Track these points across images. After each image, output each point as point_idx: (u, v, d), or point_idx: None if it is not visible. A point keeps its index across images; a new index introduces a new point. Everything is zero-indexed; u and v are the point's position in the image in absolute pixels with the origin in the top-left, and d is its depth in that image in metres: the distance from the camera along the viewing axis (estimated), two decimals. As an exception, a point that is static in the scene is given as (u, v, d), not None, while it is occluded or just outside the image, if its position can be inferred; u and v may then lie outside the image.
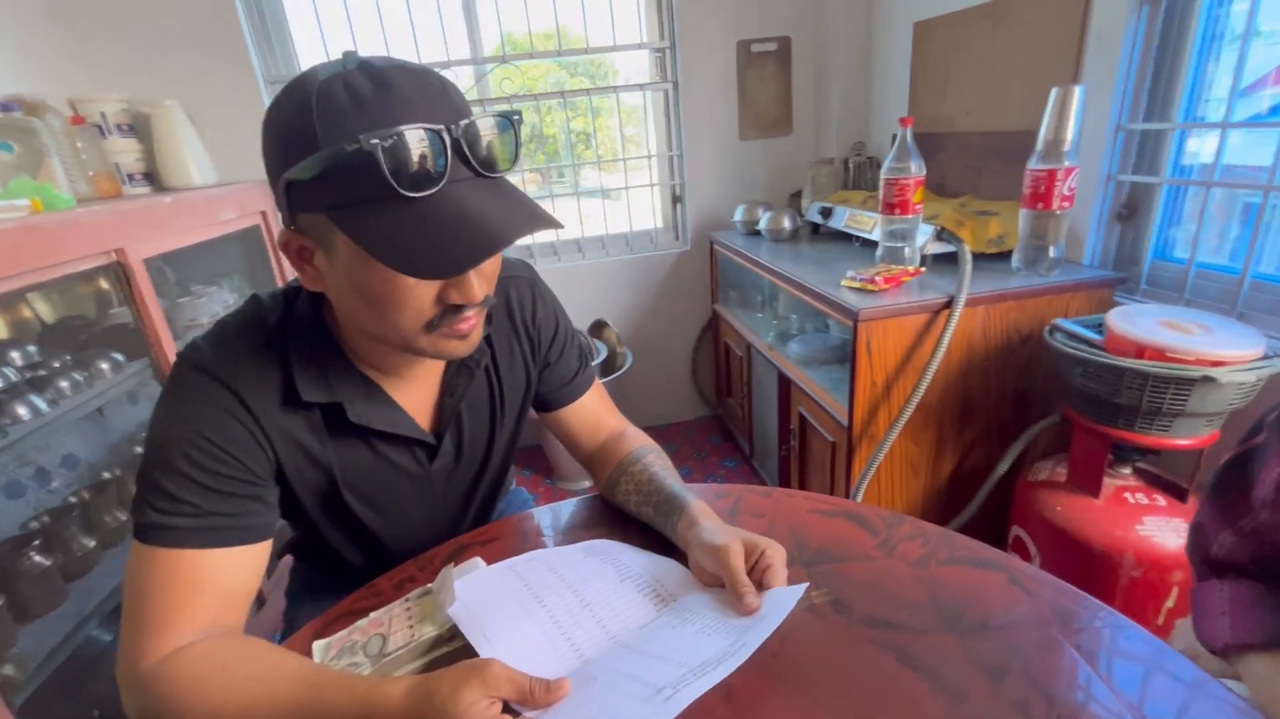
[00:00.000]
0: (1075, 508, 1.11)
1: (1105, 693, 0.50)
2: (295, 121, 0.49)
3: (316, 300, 0.63)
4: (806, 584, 0.59)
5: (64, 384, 1.24)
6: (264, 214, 1.91)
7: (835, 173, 2.06)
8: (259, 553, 0.60)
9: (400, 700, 0.47)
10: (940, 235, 1.38)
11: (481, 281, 0.56)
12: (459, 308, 0.55)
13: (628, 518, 0.77)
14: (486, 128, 0.52)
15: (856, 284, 1.31)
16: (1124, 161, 1.28)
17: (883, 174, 1.35)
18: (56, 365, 1.29)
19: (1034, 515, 1.17)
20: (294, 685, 0.50)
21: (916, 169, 1.32)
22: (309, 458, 0.64)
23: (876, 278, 1.29)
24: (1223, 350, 0.93)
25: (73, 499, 1.34)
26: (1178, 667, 0.52)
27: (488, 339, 0.72)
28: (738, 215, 2.08)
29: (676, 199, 2.33)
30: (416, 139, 0.48)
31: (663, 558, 0.67)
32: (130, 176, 1.78)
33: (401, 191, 0.48)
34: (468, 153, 0.50)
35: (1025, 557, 1.20)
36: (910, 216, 1.36)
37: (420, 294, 0.54)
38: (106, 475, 1.42)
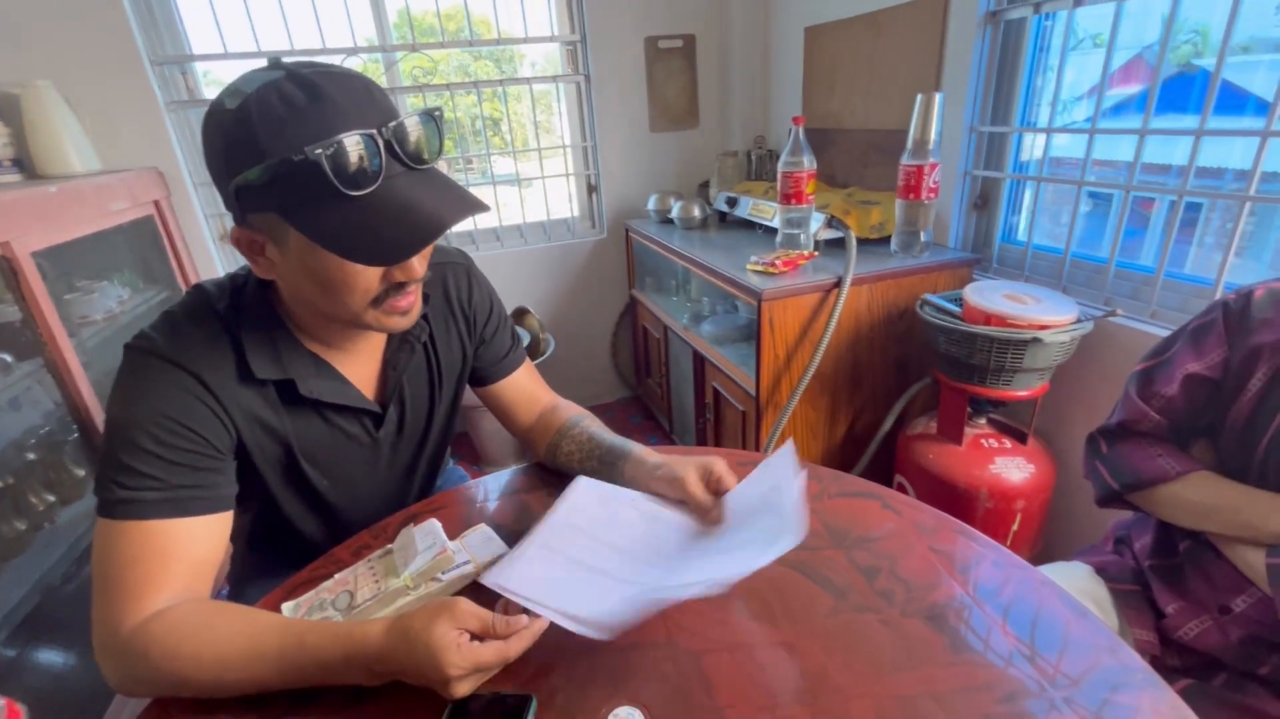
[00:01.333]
0: (943, 455, 1.32)
1: (948, 580, 0.65)
2: (236, 132, 0.54)
3: (263, 285, 0.68)
4: (790, 439, 0.72)
5: (-54, 388, 1.16)
6: (157, 203, 1.81)
7: (739, 164, 2.21)
8: (222, 523, 0.64)
9: (380, 637, 0.54)
10: (830, 223, 1.55)
11: (420, 260, 0.63)
12: (401, 285, 0.63)
13: (567, 478, 0.86)
14: (412, 125, 0.58)
15: (759, 268, 1.45)
16: (977, 158, 1.50)
17: (779, 168, 1.50)
18: (-67, 369, 1.20)
19: (912, 464, 1.37)
20: (275, 636, 0.56)
21: (809, 163, 1.48)
22: (267, 430, 0.69)
23: (777, 261, 1.43)
24: (1047, 317, 1.15)
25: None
26: (1002, 557, 0.68)
27: (425, 318, 0.79)
28: (651, 204, 2.19)
29: (592, 188, 2.40)
30: (354, 144, 0.53)
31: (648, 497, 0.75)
32: (0, 163, 1.64)
33: (345, 191, 0.54)
34: (399, 150, 0.57)
35: (906, 500, 1.40)
36: (804, 206, 1.52)
37: (368, 276, 0.61)
38: (1, 484, 1.33)
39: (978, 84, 1.42)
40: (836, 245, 1.57)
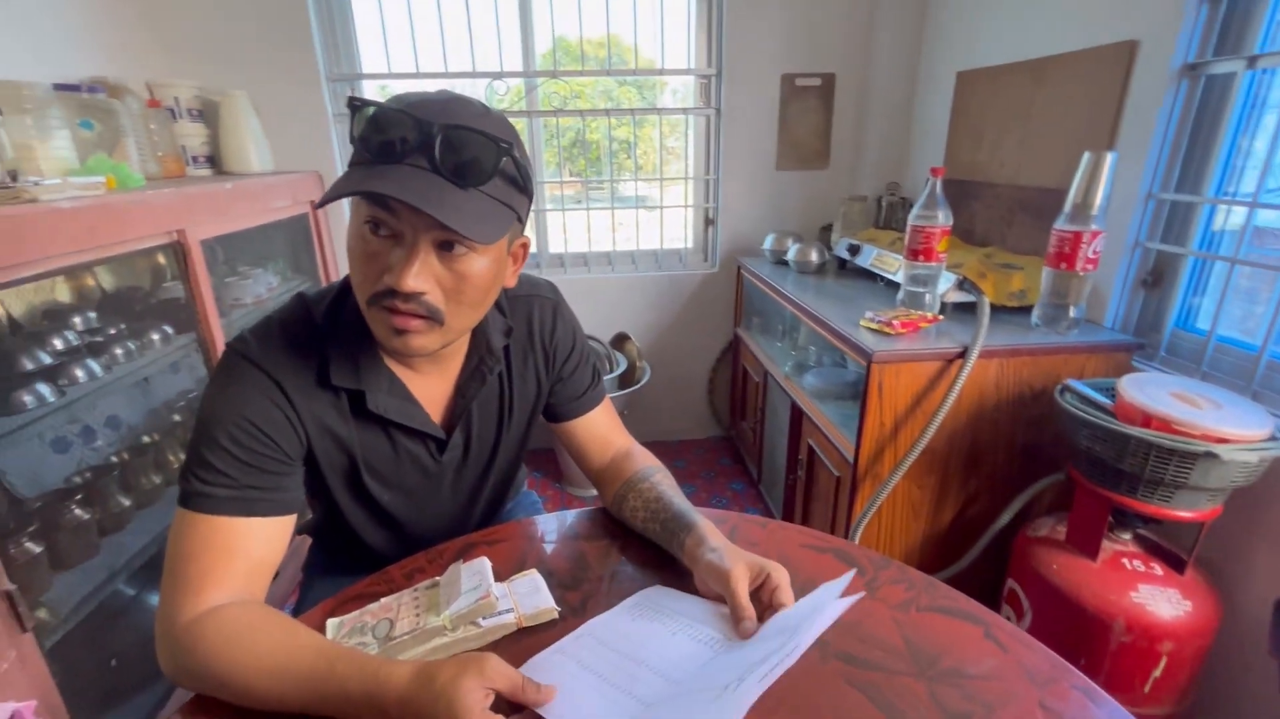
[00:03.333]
0: (1072, 568, 1.12)
1: (1059, 751, 0.52)
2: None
3: None
4: (853, 571, 0.64)
5: (118, 351, 1.33)
6: (313, 203, 2.00)
7: (867, 210, 2.09)
8: (284, 526, 0.66)
9: (405, 680, 0.51)
10: (962, 285, 1.40)
11: (420, 279, 0.57)
12: (390, 294, 0.58)
13: (630, 532, 0.82)
14: (468, 138, 0.56)
15: (874, 325, 1.34)
16: (1152, 229, 1.29)
17: (910, 220, 1.38)
18: (112, 333, 1.37)
19: (1030, 571, 1.18)
20: (309, 656, 0.55)
21: (944, 219, 1.35)
22: (335, 440, 0.70)
23: (894, 321, 1.31)
24: (1229, 428, 0.94)
25: (114, 459, 1.42)
26: (1134, 734, 0.54)
27: (505, 349, 0.78)
28: (767, 244, 2.11)
29: (709, 222, 2.37)
30: (396, 116, 0.55)
31: (705, 601, 0.68)
32: (195, 159, 1.88)
33: (370, 156, 0.56)
34: (438, 150, 0.55)
35: (1018, 611, 1.21)
36: (933, 264, 1.39)
37: (369, 261, 0.59)
38: (146, 439, 1.50)
39: (1163, 145, 1.23)
40: (966, 310, 1.42)
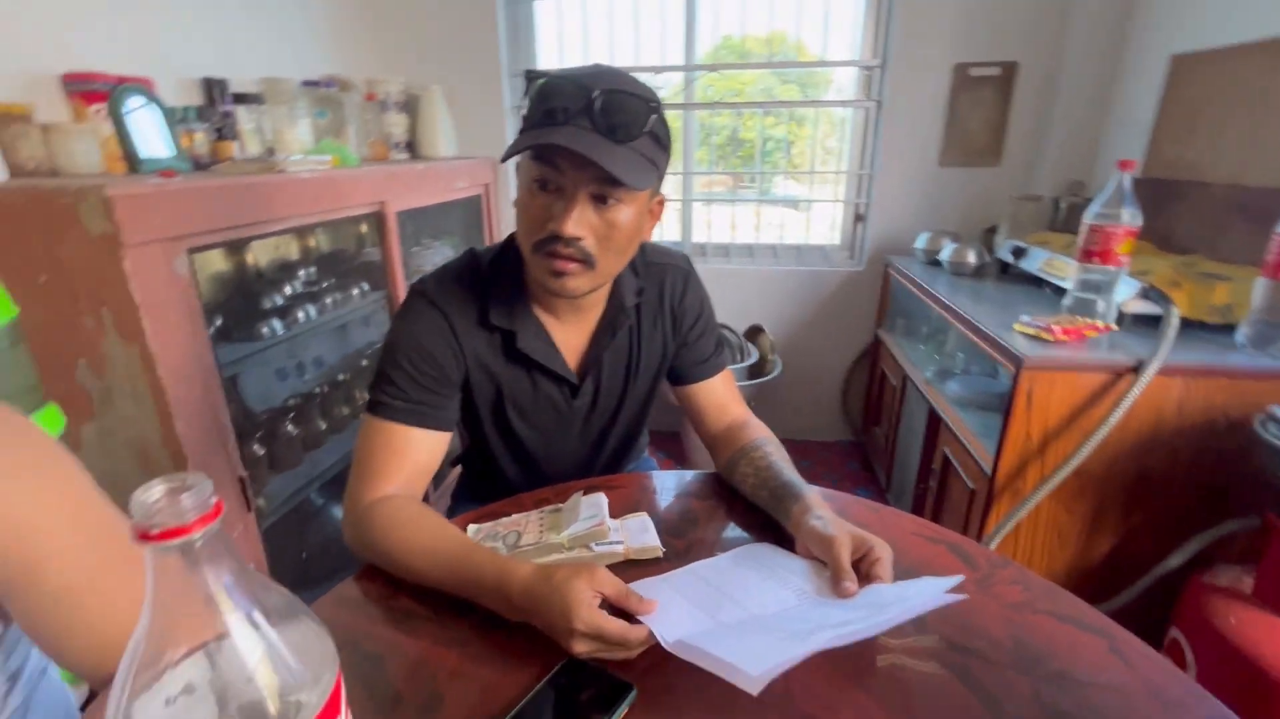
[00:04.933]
0: (1255, 625, 0.97)
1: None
2: None
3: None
4: (962, 577, 0.62)
5: (328, 301, 1.60)
6: (486, 186, 2.24)
7: (1041, 211, 1.90)
8: (440, 440, 0.78)
9: (526, 576, 0.60)
10: (1146, 294, 1.24)
11: (579, 225, 0.67)
12: (553, 239, 0.68)
13: (737, 498, 0.85)
14: (624, 100, 0.65)
15: (1030, 330, 1.23)
16: None
17: (1086, 218, 1.25)
18: (324, 285, 1.66)
19: (1202, 622, 1.03)
20: (454, 545, 0.66)
21: (1129, 218, 1.21)
22: (487, 373, 0.82)
23: (1054, 327, 1.20)
24: None
25: (316, 390, 1.72)
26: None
27: (637, 309, 0.86)
28: (920, 243, 2.01)
29: (859, 218, 2.29)
30: (562, 84, 0.65)
31: (805, 560, 0.69)
32: (396, 144, 2.18)
33: (538, 119, 0.65)
34: (595, 110, 0.64)
35: (1180, 663, 1.06)
36: (1110, 268, 1.24)
37: (535, 211, 0.69)
38: (340, 377, 1.79)
39: None
40: (1148, 323, 1.26)
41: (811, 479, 2.42)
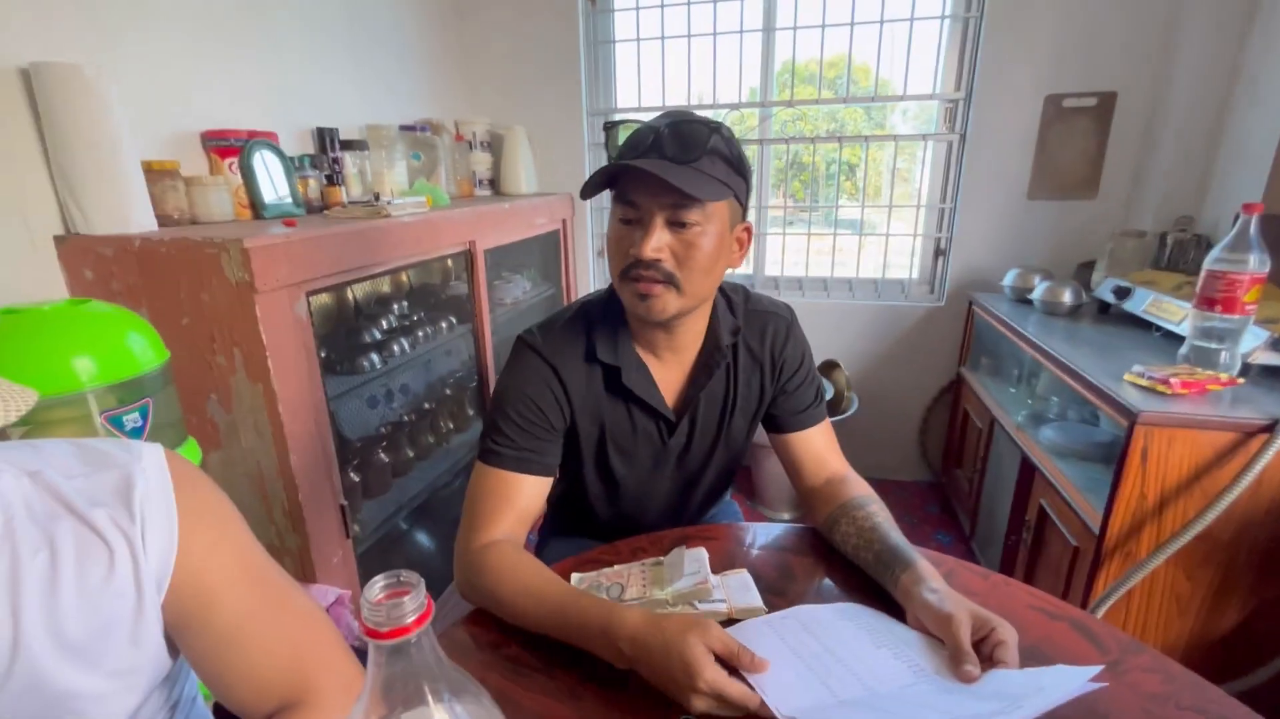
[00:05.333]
0: None
1: None
2: None
3: None
4: (1102, 666, 0.58)
5: (419, 334, 1.68)
6: (564, 221, 2.30)
7: (1145, 248, 1.80)
8: (543, 485, 0.81)
9: (635, 624, 0.61)
10: (1277, 344, 1.15)
11: (657, 247, 0.72)
12: (636, 264, 0.73)
13: (835, 555, 0.83)
14: (687, 127, 0.71)
15: (1144, 381, 1.16)
16: None
17: (1207, 263, 1.18)
18: (415, 319, 1.74)
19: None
20: (561, 589, 0.68)
21: (1256, 264, 1.13)
22: (591, 412, 0.85)
23: (1173, 379, 1.13)
24: None
25: (405, 418, 1.79)
26: None
27: (734, 349, 0.87)
28: (1008, 280, 1.93)
29: (940, 252, 2.23)
30: (633, 126, 0.74)
31: (917, 632, 0.67)
32: (480, 182, 2.29)
33: (611, 155, 0.76)
34: (665, 140, 0.70)
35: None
36: (1235, 317, 1.16)
37: (620, 243, 0.75)
38: (426, 406, 1.87)
39: None
40: (1277, 376, 1.16)
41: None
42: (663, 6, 2.19)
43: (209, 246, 0.99)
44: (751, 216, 2.35)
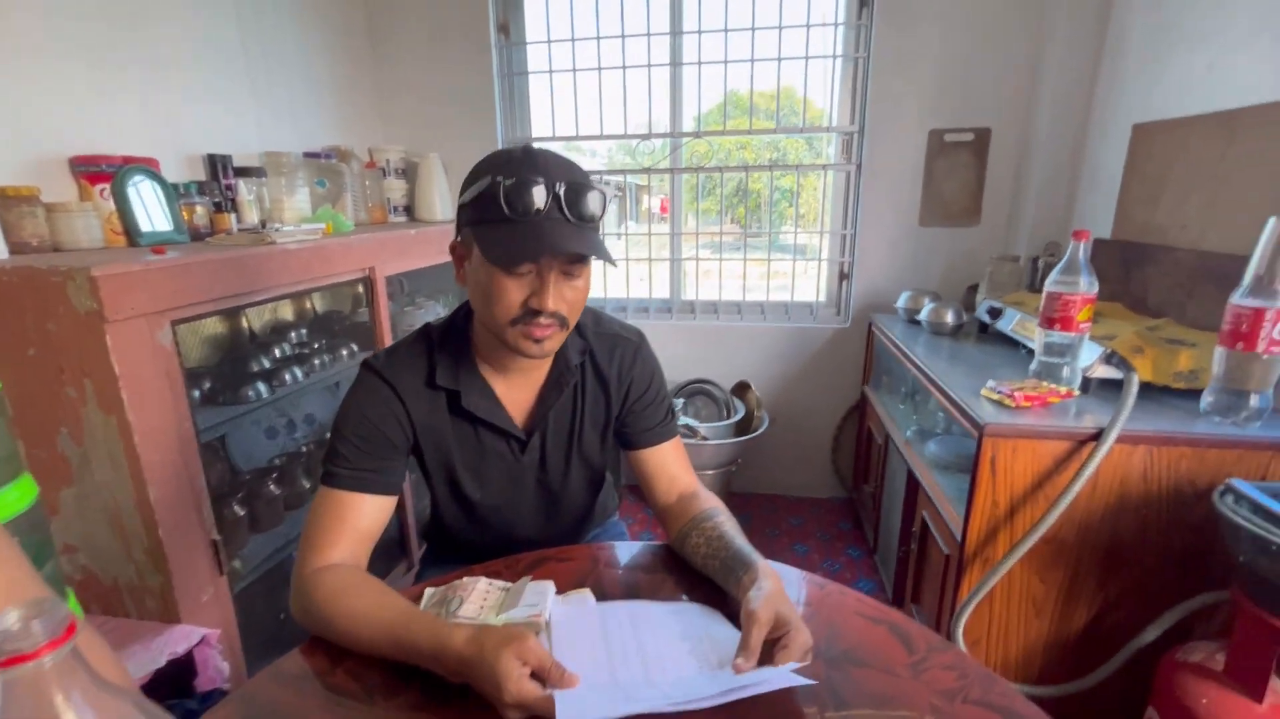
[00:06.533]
0: (1227, 706, 0.94)
1: None
2: (474, 169, 0.76)
3: (469, 315, 0.86)
4: (803, 681, 0.62)
5: (317, 362, 1.65)
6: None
7: (1019, 271, 1.93)
8: (385, 504, 0.81)
9: (460, 642, 0.62)
10: (1110, 359, 1.25)
11: (557, 300, 0.75)
12: (536, 314, 0.74)
13: (687, 571, 0.86)
14: (578, 190, 0.73)
15: (995, 396, 1.24)
16: (1374, 310, 1.07)
17: (1047, 285, 1.28)
18: (315, 347, 1.71)
19: (1175, 702, 1.00)
20: (393, 613, 0.68)
21: (1086, 285, 1.23)
22: (435, 434, 0.86)
23: (1016, 394, 1.21)
24: None
25: (304, 448, 1.75)
26: None
27: (581, 369, 0.90)
28: (901, 302, 2.03)
29: (844, 276, 2.34)
30: (529, 185, 0.70)
31: (732, 630, 0.71)
32: (395, 208, 2.28)
33: (509, 215, 0.71)
34: (564, 203, 0.72)
35: (1157, 747, 1.02)
36: (1071, 334, 1.26)
37: (511, 294, 0.74)
38: (328, 435, 1.82)
39: (1387, 210, 1.03)
40: (1114, 388, 1.26)
41: (804, 535, 2.41)
42: (573, 41, 2.26)
43: (54, 275, 0.96)
44: (665, 242, 2.41)
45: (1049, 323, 1.28)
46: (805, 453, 2.45)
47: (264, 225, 1.49)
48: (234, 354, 1.52)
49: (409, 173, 2.30)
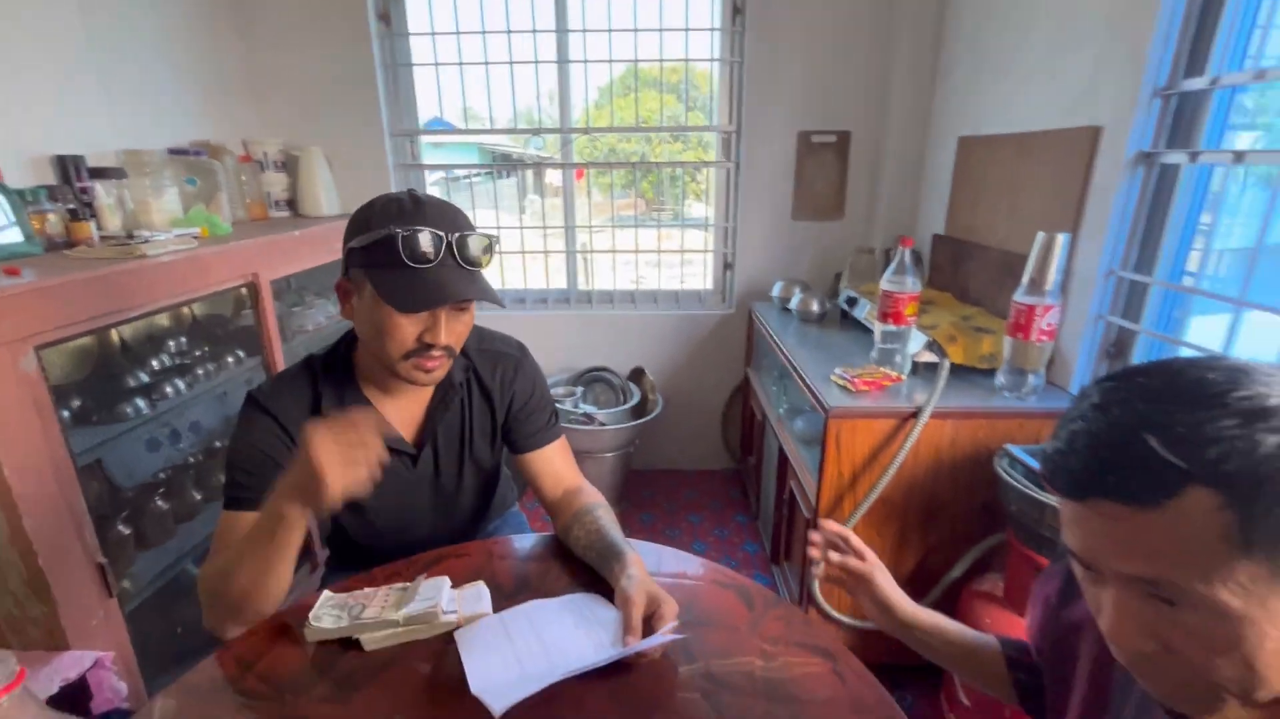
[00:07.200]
0: (1004, 625, 1.20)
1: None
2: (363, 213, 0.83)
3: (351, 347, 0.93)
4: (675, 638, 0.77)
5: (200, 371, 1.61)
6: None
7: (874, 262, 2.18)
8: None
9: (279, 484, 0.75)
10: (930, 347, 1.49)
11: (449, 335, 0.84)
12: (429, 347, 0.83)
13: (570, 558, 0.98)
14: (472, 240, 0.83)
15: (841, 381, 1.45)
16: (1114, 304, 1.35)
17: (881, 284, 1.49)
18: (198, 354, 1.66)
19: (970, 623, 1.25)
20: (254, 523, 0.78)
21: (912, 285, 1.45)
22: None
23: (856, 379, 1.42)
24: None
25: (192, 459, 1.71)
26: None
27: (467, 385, 0.99)
28: (775, 291, 2.24)
29: (728, 266, 2.52)
30: (425, 236, 0.79)
31: (616, 611, 0.82)
32: (276, 203, 2.21)
33: (407, 263, 0.78)
34: (455, 251, 0.81)
35: (959, 660, 1.28)
36: (901, 327, 1.48)
37: (405, 331, 0.83)
38: (218, 444, 1.79)
39: (1121, 226, 1.30)
40: (935, 371, 1.50)
41: (698, 506, 2.61)
42: (458, 34, 2.25)
43: (-102, 309, 0.92)
44: (561, 235, 2.49)
45: (884, 317, 1.50)
46: (698, 430, 2.65)
47: (131, 236, 1.43)
48: (107, 370, 1.46)
49: (290, 166, 2.23)
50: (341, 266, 0.87)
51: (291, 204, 2.25)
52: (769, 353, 2.22)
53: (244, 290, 1.81)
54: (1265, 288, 1.07)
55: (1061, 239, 1.25)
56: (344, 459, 0.70)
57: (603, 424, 2.19)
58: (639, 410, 2.37)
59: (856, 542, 0.86)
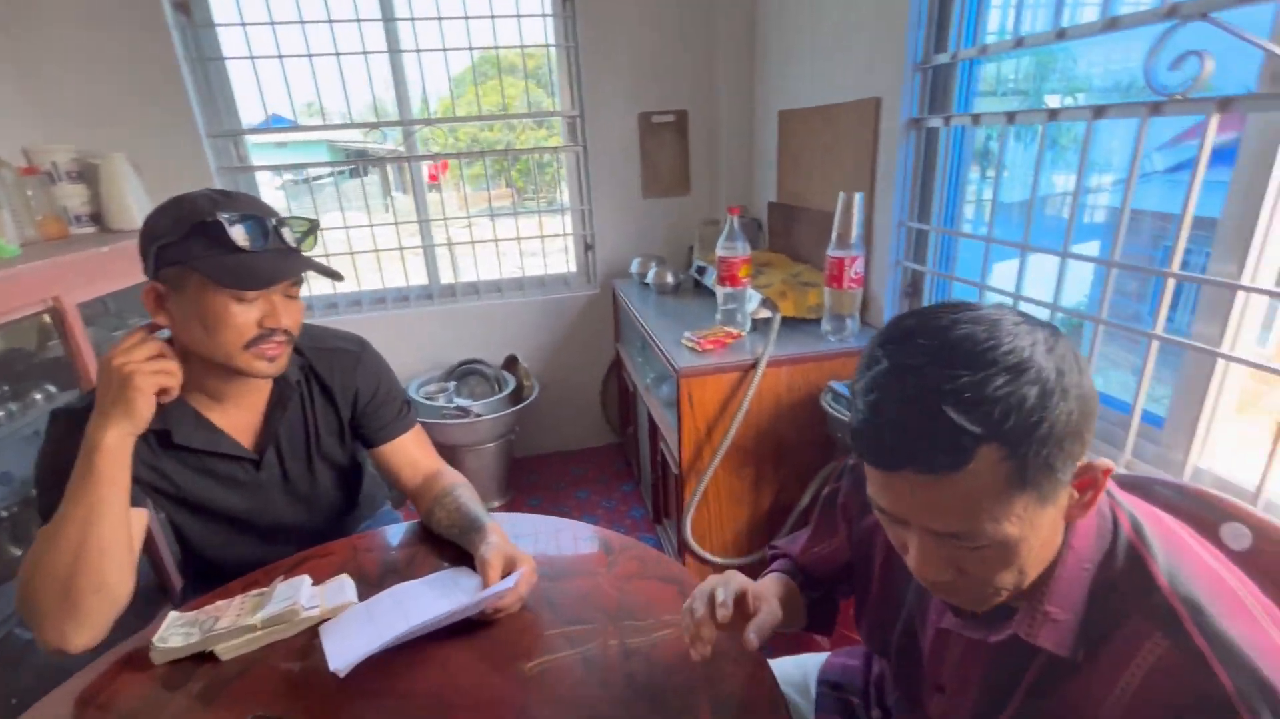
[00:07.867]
0: (842, 536, 1.37)
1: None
2: (171, 209, 0.81)
3: None
4: (510, 585, 0.81)
5: (1, 412, 1.44)
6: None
7: (719, 233, 2.33)
8: None
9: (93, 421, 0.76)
10: (765, 304, 1.65)
11: (287, 318, 0.85)
12: (271, 333, 0.84)
13: (435, 540, 1.01)
14: (294, 222, 0.87)
15: (689, 344, 1.57)
16: (908, 250, 1.57)
17: (716, 250, 1.62)
18: (-5, 395, 1.48)
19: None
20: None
21: (743, 249, 1.59)
22: (155, 472, 0.89)
23: (702, 340, 1.55)
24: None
25: (3, 513, 1.52)
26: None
27: (306, 384, 0.98)
28: (633, 267, 2.34)
29: (588, 247, 2.58)
30: (250, 221, 0.80)
31: (477, 576, 0.86)
32: (78, 218, 1.97)
33: (238, 246, 0.79)
34: (282, 234, 0.84)
35: (812, 575, 1.45)
36: (738, 289, 1.63)
37: (243, 318, 0.82)
38: (34, 492, 1.60)
39: (905, 184, 1.51)
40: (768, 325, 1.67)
41: (585, 482, 2.67)
42: (273, 25, 2.11)
43: None
44: (416, 230, 2.43)
45: (722, 280, 1.63)
46: (578, 410, 2.71)
47: (-117, 267, 1.23)
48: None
49: (89, 176, 1.99)
50: (150, 270, 0.82)
51: (96, 218, 2.02)
52: (632, 326, 2.32)
53: (46, 318, 1.63)
54: (1040, 233, 1.23)
55: (858, 197, 1.43)
56: (141, 361, 0.76)
57: (479, 415, 2.20)
58: (516, 398, 2.39)
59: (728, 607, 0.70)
